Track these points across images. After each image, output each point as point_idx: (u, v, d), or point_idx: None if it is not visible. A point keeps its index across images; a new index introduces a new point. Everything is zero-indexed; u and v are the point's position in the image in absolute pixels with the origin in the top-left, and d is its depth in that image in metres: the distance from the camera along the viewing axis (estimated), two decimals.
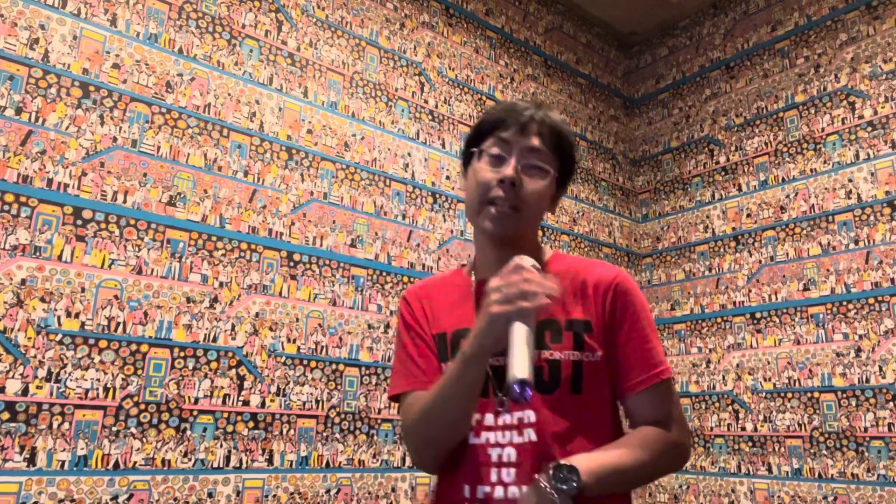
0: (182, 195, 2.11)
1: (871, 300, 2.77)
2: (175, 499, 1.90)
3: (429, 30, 3.00)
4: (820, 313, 2.93)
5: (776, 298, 3.10)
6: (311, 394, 2.25)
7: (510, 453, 0.98)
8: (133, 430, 1.86)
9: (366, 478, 2.30)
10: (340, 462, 2.26)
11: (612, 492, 0.92)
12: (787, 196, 3.17)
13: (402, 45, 2.87)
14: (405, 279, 2.60)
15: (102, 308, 1.88)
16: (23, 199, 1.81)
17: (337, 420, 2.29)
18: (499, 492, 0.96)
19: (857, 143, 2.97)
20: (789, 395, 2.95)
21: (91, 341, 1.84)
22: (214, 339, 2.08)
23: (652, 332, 1.04)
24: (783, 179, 3.21)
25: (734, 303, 3.26)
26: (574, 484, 0.85)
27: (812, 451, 2.82)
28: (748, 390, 3.09)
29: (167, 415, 1.93)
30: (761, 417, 3.02)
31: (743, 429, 3.07)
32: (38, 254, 1.80)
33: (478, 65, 3.17)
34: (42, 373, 1.75)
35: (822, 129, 3.10)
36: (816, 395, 2.86)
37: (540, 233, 2.88)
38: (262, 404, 2.13)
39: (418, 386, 1.06)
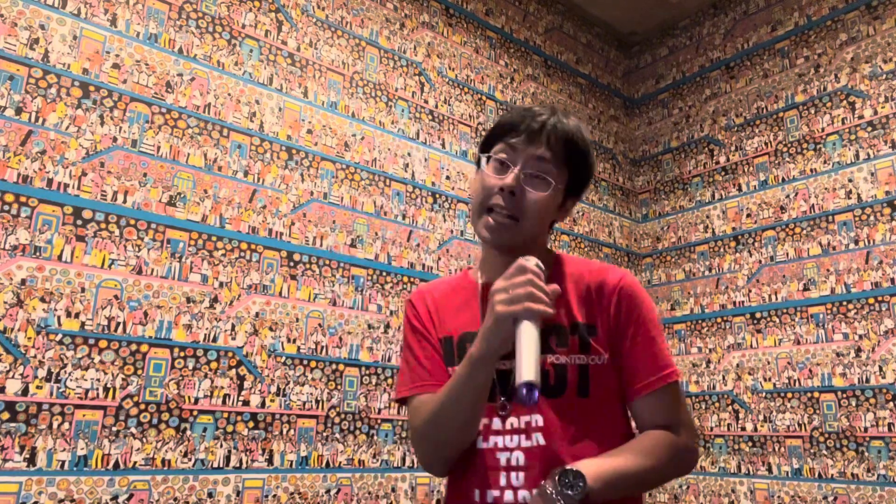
0: (182, 195, 2.11)
1: (871, 300, 2.77)
2: (175, 499, 1.90)
3: (429, 30, 3.00)
4: (820, 313, 2.93)
5: (776, 298, 3.10)
6: (311, 394, 2.25)
7: (519, 457, 0.98)
8: (133, 430, 1.86)
9: (366, 478, 2.30)
10: (340, 462, 2.26)
11: (619, 496, 0.91)
12: (787, 196, 3.17)
13: (402, 45, 2.87)
14: (405, 279, 2.60)
15: (102, 308, 1.88)
16: (23, 199, 1.81)
17: (337, 420, 2.29)
18: (508, 496, 0.96)
19: (857, 143, 2.97)
20: (789, 395, 2.95)
21: (91, 341, 1.84)
22: (214, 339, 2.08)
23: (658, 335, 1.03)
24: (783, 179, 3.21)
25: (734, 303, 3.26)
26: (580, 489, 0.84)
27: (812, 451, 2.82)
28: (748, 390, 3.09)
29: (167, 415, 1.93)
30: (761, 417, 3.02)
31: (743, 429, 3.07)
32: (38, 254, 1.80)
33: (478, 65, 3.17)
34: (42, 373, 1.75)
35: (822, 129, 3.10)
36: (816, 395, 2.86)
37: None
38: (262, 404, 2.13)
39: (425, 389, 1.05)
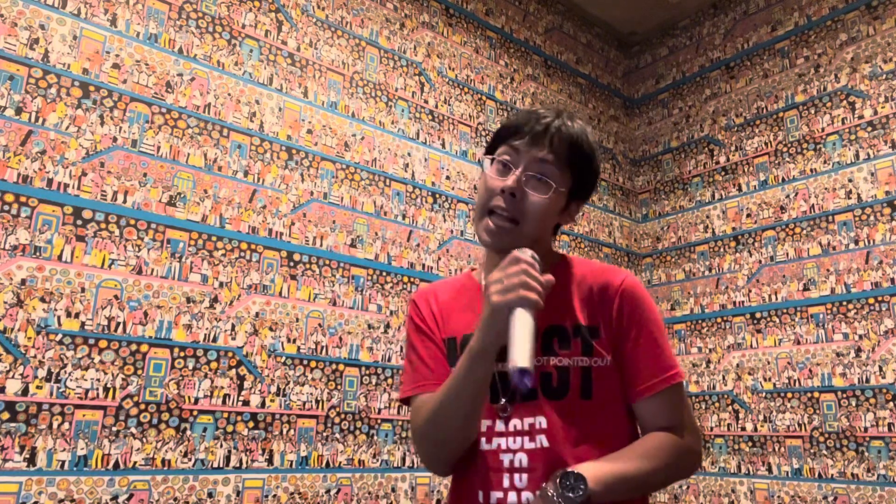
0: (182, 195, 2.11)
1: (871, 300, 2.77)
2: (175, 499, 1.90)
3: (429, 30, 3.00)
4: (820, 313, 2.93)
5: (776, 298, 3.10)
6: (311, 394, 2.25)
7: (522, 459, 0.98)
8: (133, 430, 1.86)
9: (366, 478, 2.30)
10: (340, 462, 2.26)
11: (621, 499, 0.91)
12: (787, 196, 3.17)
13: (402, 45, 2.87)
14: (405, 279, 2.60)
15: (102, 308, 1.88)
16: (23, 199, 1.81)
17: (337, 420, 2.29)
18: (511, 497, 0.96)
19: (857, 143, 2.97)
20: (789, 395, 2.95)
21: (91, 341, 1.84)
22: (214, 339, 2.08)
23: (661, 336, 1.03)
24: (783, 179, 3.21)
25: (734, 303, 3.26)
26: (581, 492, 0.84)
27: (812, 451, 2.82)
28: (748, 390, 3.09)
29: (167, 415, 1.93)
30: (761, 417, 3.02)
31: (743, 429, 3.07)
32: (38, 254, 1.80)
33: (478, 65, 3.17)
34: (42, 373, 1.75)
35: (822, 129, 3.10)
36: (816, 395, 2.86)
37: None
38: (262, 404, 2.13)
39: (428, 388, 1.05)
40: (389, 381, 2.46)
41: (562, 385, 0.99)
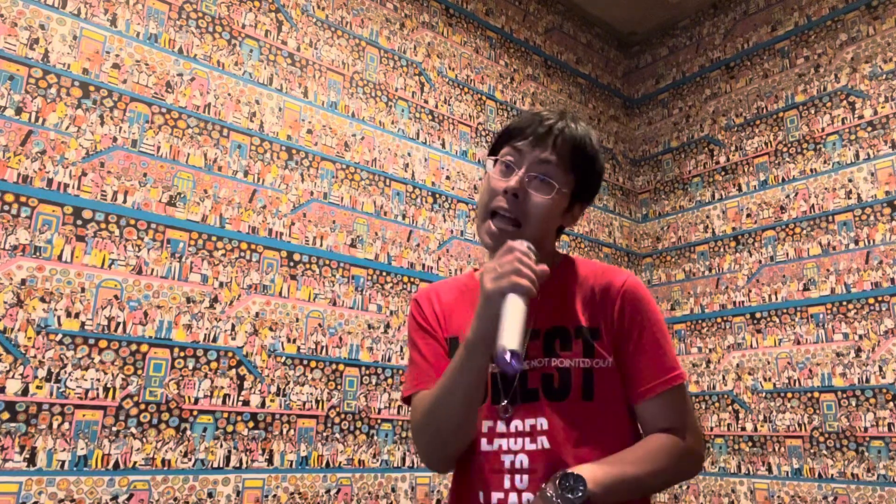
0: (182, 195, 2.11)
1: (871, 300, 2.77)
2: (175, 499, 1.90)
3: (429, 30, 3.00)
4: (820, 313, 2.93)
5: (776, 298, 3.10)
6: (311, 394, 2.25)
7: (523, 460, 0.97)
8: (133, 430, 1.86)
9: (366, 478, 2.30)
10: (340, 462, 2.26)
11: (621, 500, 0.91)
12: (787, 196, 3.17)
13: (402, 45, 2.87)
14: (405, 279, 2.60)
15: (102, 308, 1.88)
16: (23, 199, 1.81)
17: (337, 420, 2.29)
18: (512, 498, 0.96)
19: (857, 143, 2.97)
20: (789, 395, 2.95)
21: (91, 341, 1.84)
22: (214, 339, 2.08)
23: (663, 337, 1.03)
24: (783, 179, 3.21)
25: (734, 303, 3.26)
26: (581, 493, 0.84)
27: (812, 451, 2.82)
28: (748, 390, 3.09)
29: (167, 415, 1.93)
30: (761, 417, 3.02)
31: (743, 429, 3.07)
32: (38, 254, 1.80)
33: (478, 65, 3.17)
34: (42, 373, 1.75)
35: (822, 129, 3.10)
36: (816, 395, 2.86)
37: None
38: (262, 404, 2.13)
39: (428, 386, 1.05)
40: (389, 381, 2.46)
41: (563, 386, 0.99)
